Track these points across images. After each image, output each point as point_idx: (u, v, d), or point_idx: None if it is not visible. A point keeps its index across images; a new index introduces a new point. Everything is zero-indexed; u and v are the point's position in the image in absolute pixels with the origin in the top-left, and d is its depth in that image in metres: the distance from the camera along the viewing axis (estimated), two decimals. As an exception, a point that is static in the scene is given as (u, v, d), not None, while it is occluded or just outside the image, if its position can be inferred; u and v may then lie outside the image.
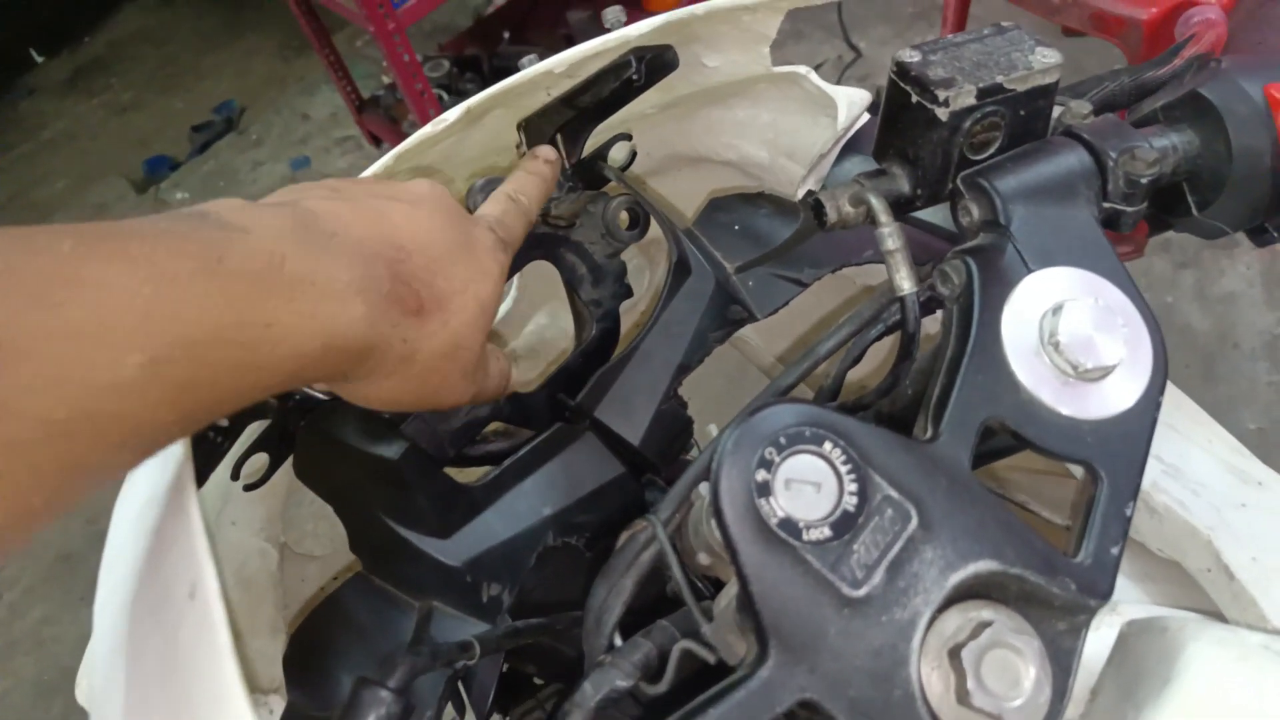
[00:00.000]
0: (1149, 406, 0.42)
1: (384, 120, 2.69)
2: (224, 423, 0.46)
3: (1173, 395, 0.61)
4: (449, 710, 0.55)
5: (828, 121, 0.69)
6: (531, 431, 0.59)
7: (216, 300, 0.31)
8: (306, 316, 0.35)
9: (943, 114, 0.46)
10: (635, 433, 0.57)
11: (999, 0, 2.12)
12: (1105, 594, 0.39)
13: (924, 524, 0.37)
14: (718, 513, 0.36)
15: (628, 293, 0.63)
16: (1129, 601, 0.56)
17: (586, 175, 0.62)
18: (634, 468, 0.58)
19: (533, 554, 0.53)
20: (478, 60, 2.61)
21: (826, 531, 0.36)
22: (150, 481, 0.38)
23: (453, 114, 0.54)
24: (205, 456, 0.49)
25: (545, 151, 0.57)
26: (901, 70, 0.48)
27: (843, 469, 0.37)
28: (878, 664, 0.36)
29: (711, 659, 0.45)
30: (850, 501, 0.36)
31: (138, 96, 3.72)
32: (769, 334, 0.87)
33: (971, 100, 0.46)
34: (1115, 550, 0.40)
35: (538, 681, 0.70)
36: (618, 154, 0.64)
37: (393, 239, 0.41)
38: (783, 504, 0.36)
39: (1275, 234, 0.50)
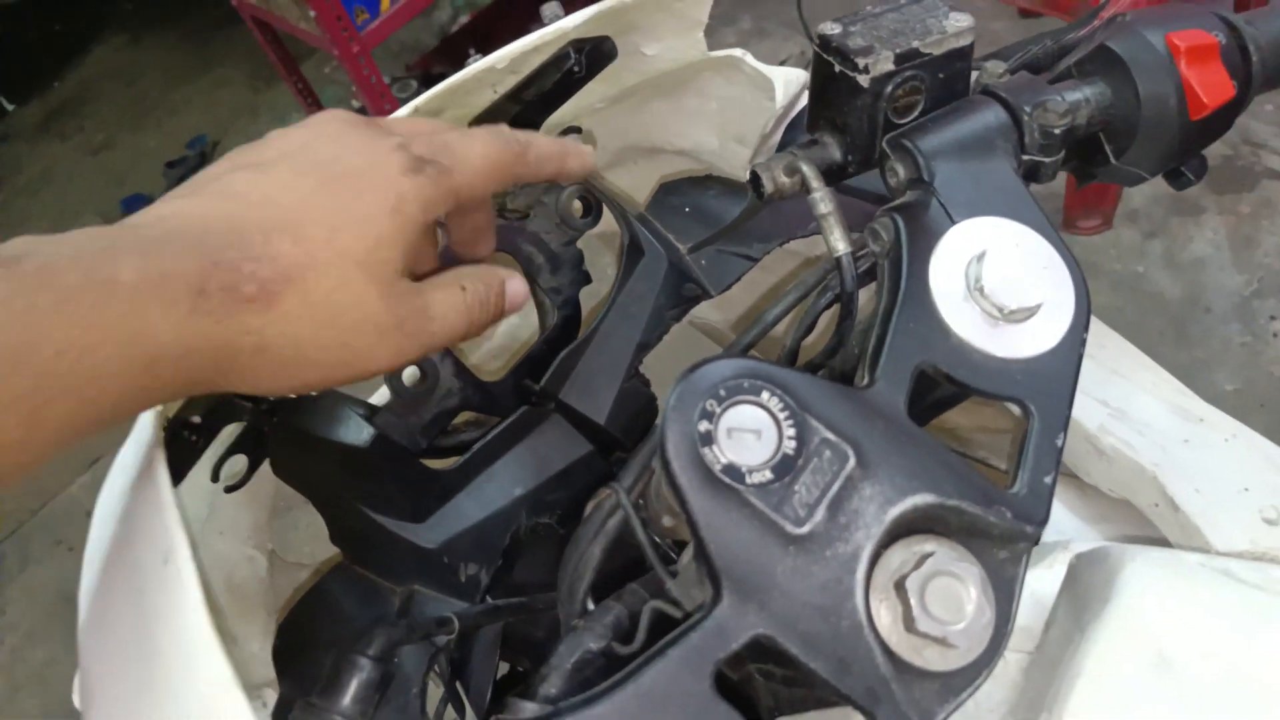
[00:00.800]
0: (1074, 342, 0.44)
1: (356, 143, 2.70)
2: (196, 419, 0.48)
3: (1115, 342, 0.64)
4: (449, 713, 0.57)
5: (771, 104, 0.71)
6: (500, 419, 0.61)
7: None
8: (96, 332, 0.31)
9: (864, 80, 0.48)
10: (600, 411, 0.59)
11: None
12: (1041, 520, 0.41)
13: (862, 463, 0.39)
14: (665, 463, 0.38)
15: (586, 279, 0.65)
16: (1081, 540, 0.58)
17: (540, 169, 0.64)
18: (601, 446, 0.60)
19: (507, 533, 0.55)
20: (445, 77, 2.63)
21: (768, 474, 0.38)
22: (127, 474, 0.40)
23: (399, 115, 0.57)
24: (181, 456, 0.50)
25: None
26: (824, 42, 0.50)
27: (780, 416, 0.39)
28: (825, 598, 0.37)
29: (679, 615, 0.47)
30: (789, 445, 0.38)
31: (110, 136, 3.74)
32: (729, 311, 0.89)
33: (890, 66, 0.48)
34: (1048, 479, 0.42)
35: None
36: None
37: (222, 223, 0.36)
38: (725, 451, 0.38)
39: (1190, 176, 0.53)
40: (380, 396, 0.75)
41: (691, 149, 0.80)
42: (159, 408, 0.42)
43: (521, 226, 0.62)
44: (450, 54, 2.82)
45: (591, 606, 0.49)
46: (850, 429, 0.40)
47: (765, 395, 0.39)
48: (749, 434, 0.39)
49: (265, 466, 0.61)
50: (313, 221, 0.37)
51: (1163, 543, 0.55)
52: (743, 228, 0.65)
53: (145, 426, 0.40)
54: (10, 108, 4.14)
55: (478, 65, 0.58)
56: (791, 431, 0.39)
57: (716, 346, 0.93)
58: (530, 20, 2.50)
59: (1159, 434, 0.57)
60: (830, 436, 0.39)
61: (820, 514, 0.38)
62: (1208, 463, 0.55)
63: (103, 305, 0.31)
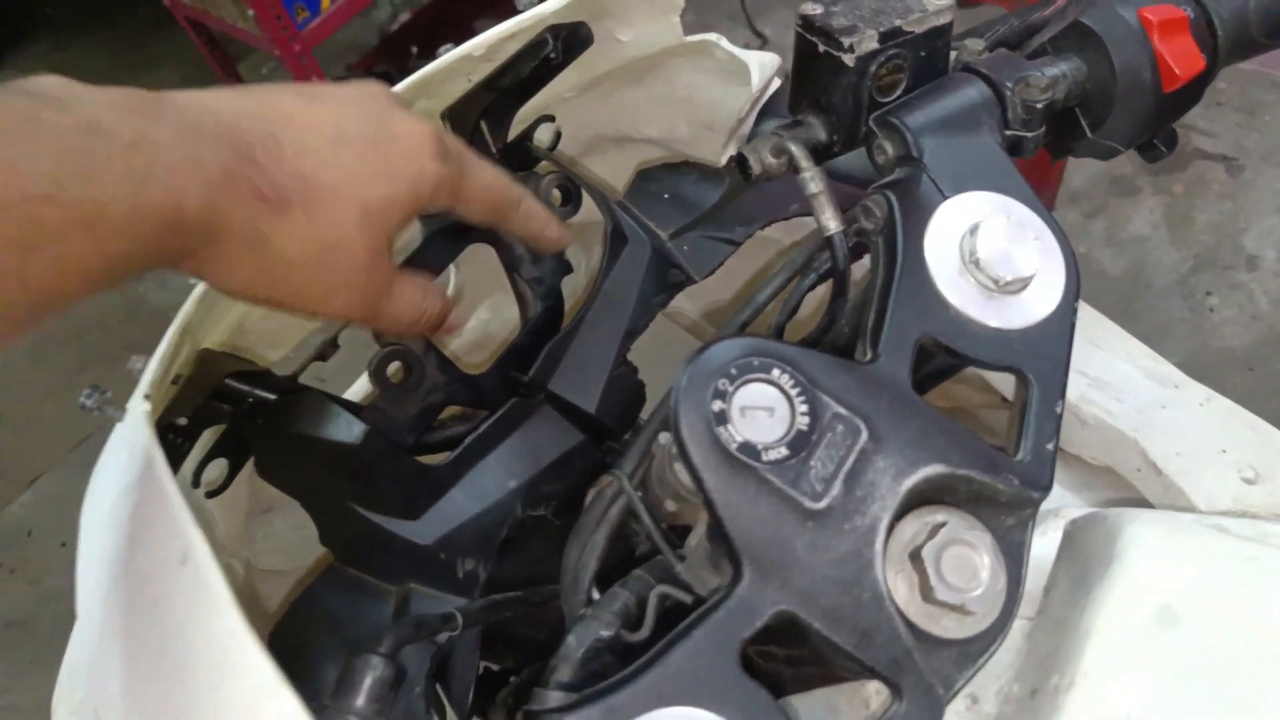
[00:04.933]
0: (1067, 311, 0.45)
1: (298, 146, 2.65)
2: (182, 422, 0.46)
3: (1090, 315, 0.65)
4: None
5: (742, 90, 0.71)
6: (488, 412, 0.60)
7: (35, 153, 0.31)
8: (135, 182, 0.33)
9: (849, 60, 0.48)
10: (590, 400, 0.58)
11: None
12: (1046, 486, 0.42)
13: (874, 436, 0.39)
14: (680, 444, 0.38)
15: (568, 269, 0.64)
16: (1070, 507, 0.60)
17: (514, 158, 0.64)
18: (593, 435, 0.59)
19: (503, 527, 0.54)
20: (389, 76, 2.59)
21: (784, 451, 0.38)
22: (119, 479, 0.38)
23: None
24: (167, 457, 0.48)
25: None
26: (806, 23, 0.50)
27: (792, 392, 0.39)
28: (845, 570, 0.38)
29: (688, 599, 0.46)
30: (803, 421, 0.38)
31: (36, 146, 3.59)
32: (701, 301, 0.89)
33: (874, 44, 0.48)
34: (1050, 446, 0.43)
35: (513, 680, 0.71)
36: (543, 135, 0.66)
37: (264, 124, 0.39)
38: (740, 429, 0.38)
39: (1162, 148, 0.54)
40: (356, 392, 0.73)
41: (661, 137, 0.80)
42: (148, 408, 0.40)
43: (501, 217, 0.62)
44: (391, 52, 2.78)
45: (597, 595, 0.49)
46: (860, 403, 0.40)
47: (776, 372, 0.39)
48: (762, 411, 0.39)
49: (241, 473, 0.59)
50: (343, 161, 0.40)
51: (1146, 505, 0.57)
52: (723, 212, 0.65)
53: (136, 427, 0.39)
54: (-74, 119, 3.96)
55: (453, 54, 0.57)
56: (804, 408, 0.39)
57: (690, 337, 0.93)
58: (472, 17, 2.45)
59: (1137, 401, 0.59)
60: (842, 411, 0.39)
61: (837, 488, 0.38)
62: (1186, 427, 0.57)
63: (149, 164, 0.33)
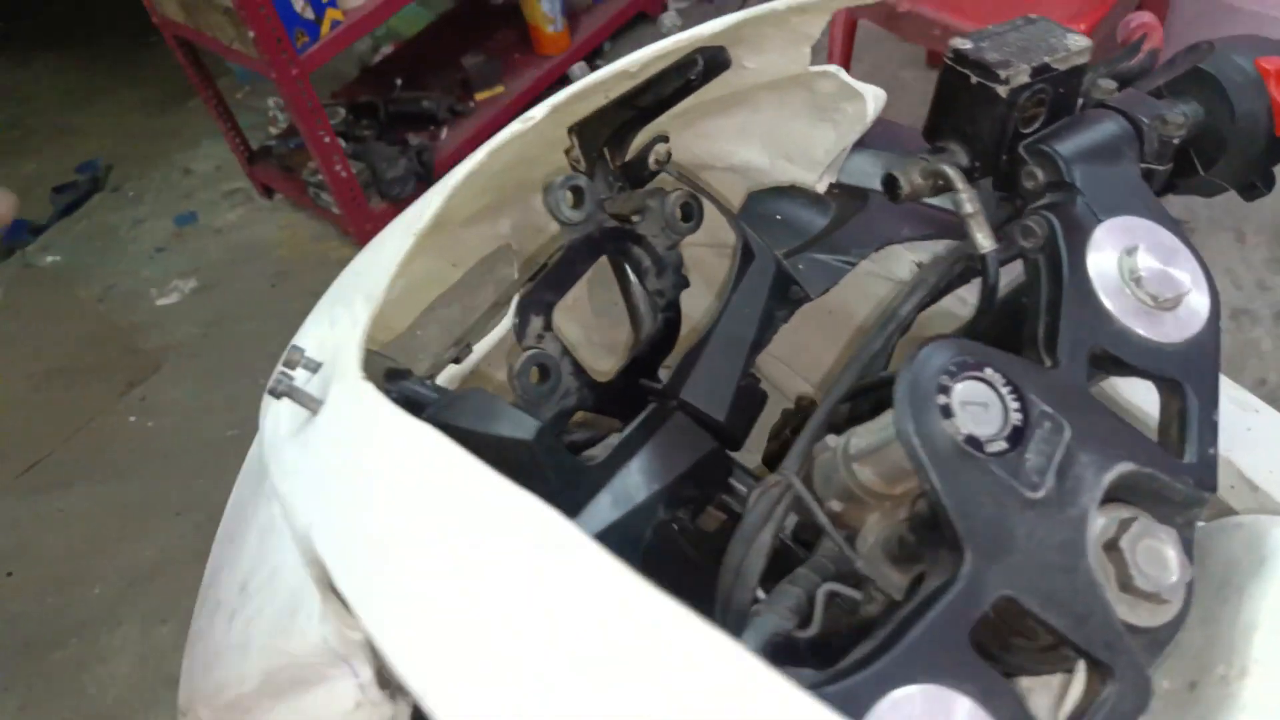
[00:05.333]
0: (1214, 328, 0.49)
1: (277, 170, 2.62)
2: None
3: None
4: None
5: (826, 125, 0.75)
6: (613, 420, 0.61)
7: None
8: None
9: (1003, 91, 0.52)
10: (720, 410, 0.60)
11: (876, 31, 2.25)
12: (1213, 488, 0.45)
13: (1076, 434, 0.42)
14: (905, 438, 0.40)
15: (686, 283, 0.66)
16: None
17: (633, 175, 0.66)
18: (720, 443, 0.60)
19: (649, 527, 0.55)
20: (374, 106, 2.59)
21: (1003, 444, 0.40)
22: (362, 461, 0.38)
23: (539, 112, 0.57)
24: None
25: None
26: (959, 56, 0.54)
27: (1003, 390, 0.41)
28: (1062, 557, 0.40)
29: (857, 595, 0.48)
30: (1016, 417, 0.41)
31: (-18, 162, 3.47)
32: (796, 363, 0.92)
33: (1026, 78, 0.52)
34: (1212, 451, 0.46)
35: None
36: (658, 155, 0.68)
37: None
38: (964, 423, 0.40)
39: (1263, 187, 0.59)
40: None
41: (740, 165, 0.82)
42: (372, 386, 0.40)
43: (631, 230, 0.63)
44: (374, 84, 2.77)
45: (762, 594, 0.50)
46: (1059, 403, 0.42)
47: (989, 371, 0.41)
48: (978, 407, 0.41)
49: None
50: None
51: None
52: (834, 235, 0.68)
53: (371, 403, 0.39)
54: None
55: (608, 70, 0.59)
56: (1015, 405, 0.41)
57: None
58: (458, 52, 2.45)
59: (1225, 423, 0.63)
60: (1047, 409, 0.42)
61: (1050, 479, 0.40)
62: (1271, 446, 0.61)
63: None
